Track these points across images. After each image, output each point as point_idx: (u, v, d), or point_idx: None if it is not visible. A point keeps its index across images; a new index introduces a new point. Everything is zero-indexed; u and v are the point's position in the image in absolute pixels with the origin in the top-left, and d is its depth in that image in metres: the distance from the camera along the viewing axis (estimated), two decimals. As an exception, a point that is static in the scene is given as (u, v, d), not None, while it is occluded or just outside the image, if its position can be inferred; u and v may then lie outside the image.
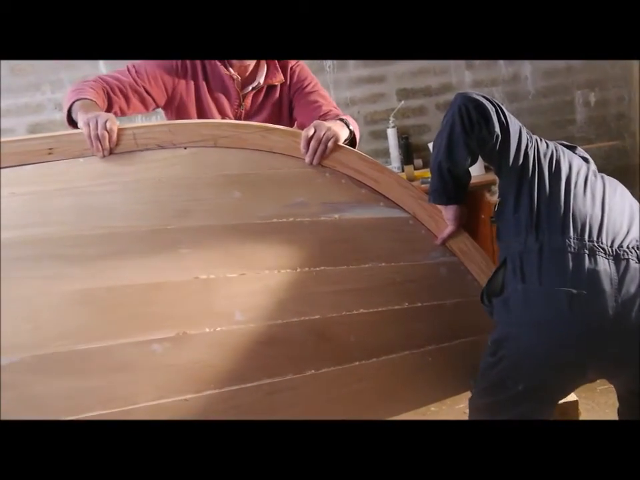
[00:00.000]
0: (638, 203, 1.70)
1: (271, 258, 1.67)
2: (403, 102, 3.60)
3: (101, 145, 1.64)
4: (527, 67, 3.65)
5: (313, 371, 1.68)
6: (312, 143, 1.70)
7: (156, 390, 1.58)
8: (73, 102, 1.81)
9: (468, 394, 1.76)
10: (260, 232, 1.68)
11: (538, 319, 1.51)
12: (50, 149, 1.64)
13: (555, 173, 1.63)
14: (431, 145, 3.54)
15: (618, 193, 1.68)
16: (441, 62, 3.64)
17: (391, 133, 3.57)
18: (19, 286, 1.55)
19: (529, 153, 1.64)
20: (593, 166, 1.76)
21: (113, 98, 1.94)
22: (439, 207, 1.76)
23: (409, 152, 3.61)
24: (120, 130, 1.66)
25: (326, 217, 1.72)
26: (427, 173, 3.11)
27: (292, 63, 2.19)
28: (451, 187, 1.70)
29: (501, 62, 3.64)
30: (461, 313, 1.81)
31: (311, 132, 1.71)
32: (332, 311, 1.69)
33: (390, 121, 3.57)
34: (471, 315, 1.79)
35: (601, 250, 1.51)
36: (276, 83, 2.16)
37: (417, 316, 1.77)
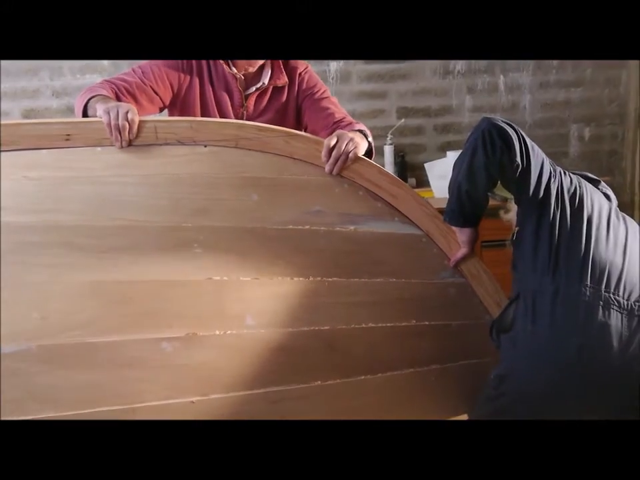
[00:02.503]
0: None
1: (285, 264, 1.66)
2: (403, 120, 3.61)
3: (121, 135, 1.61)
4: (526, 97, 3.70)
5: (320, 382, 1.66)
6: (334, 153, 1.69)
7: (163, 389, 1.55)
8: (88, 100, 1.76)
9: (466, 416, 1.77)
10: (275, 237, 1.66)
11: (543, 363, 1.52)
12: (67, 134, 1.61)
13: (578, 211, 1.61)
14: (426, 165, 3.58)
15: (638, 238, 1.66)
16: (442, 83, 3.67)
17: (388, 150, 3.58)
18: (29, 272, 1.51)
19: (551, 187, 1.63)
20: (614, 204, 1.76)
21: (122, 99, 1.90)
22: (453, 228, 1.76)
23: (404, 170, 3.62)
24: (141, 122, 1.64)
25: (341, 228, 1.71)
26: (421, 193, 3.13)
27: (300, 68, 2.18)
28: (468, 210, 1.70)
29: (502, 89, 3.68)
30: (466, 334, 1.80)
31: (334, 141, 1.70)
32: (342, 323, 1.68)
33: (388, 138, 3.57)
34: (475, 338, 1.79)
35: (616, 303, 1.51)
36: (281, 85, 2.14)
37: (424, 334, 1.76)
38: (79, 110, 1.78)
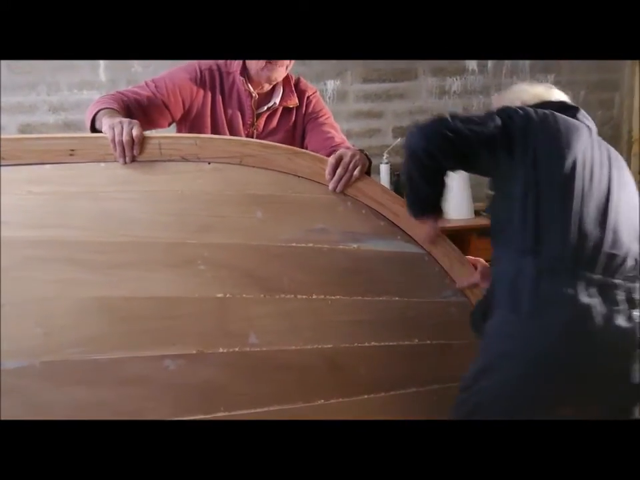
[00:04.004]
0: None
1: (289, 282, 1.65)
2: (399, 139, 3.63)
3: (125, 151, 1.61)
4: (521, 117, 3.73)
5: (322, 400, 1.65)
6: (338, 170, 1.70)
7: (166, 407, 1.53)
8: (97, 112, 1.76)
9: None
10: (279, 255, 1.66)
11: (527, 352, 1.43)
12: (72, 150, 1.60)
13: (556, 170, 1.47)
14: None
15: (625, 193, 1.54)
16: (438, 103, 3.70)
17: (384, 169, 3.59)
18: (32, 288, 1.50)
19: (514, 149, 1.50)
20: (594, 132, 1.61)
21: (132, 111, 1.90)
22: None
23: (399, 189, 3.63)
24: (145, 138, 1.64)
25: (344, 246, 1.71)
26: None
27: (309, 91, 2.20)
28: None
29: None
30: (468, 354, 1.79)
31: (338, 159, 1.71)
32: (345, 341, 1.67)
33: (384, 157, 3.59)
34: (477, 358, 1.78)
35: (594, 282, 1.43)
36: (291, 106, 2.15)
37: (426, 353, 1.76)
38: (87, 121, 1.78)
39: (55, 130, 3.37)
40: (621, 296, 1.45)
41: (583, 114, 1.64)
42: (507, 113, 1.55)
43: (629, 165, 3.70)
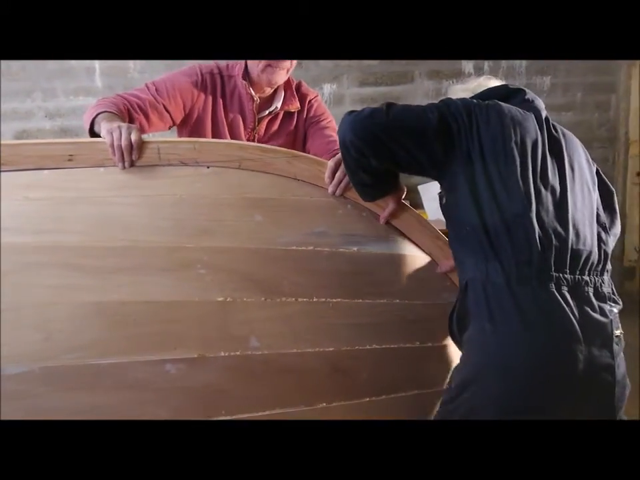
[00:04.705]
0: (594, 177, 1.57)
1: (289, 285, 1.64)
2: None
3: (124, 156, 1.60)
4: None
5: (324, 404, 1.64)
6: (337, 174, 1.69)
7: (166, 412, 1.52)
8: (96, 115, 1.76)
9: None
10: (279, 258, 1.65)
11: (507, 362, 1.37)
12: (70, 155, 1.60)
13: (506, 168, 1.40)
14: (419, 188, 3.60)
15: (580, 183, 1.50)
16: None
17: (381, 172, 3.59)
18: (31, 293, 1.49)
19: (455, 145, 1.44)
20: (544, 114, 1.53)
21: (133, 115, 1.91)
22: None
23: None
24: (144, 143, 1.63)
25: (344, 249, 1.70)
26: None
27: (311, 95, 2.21)
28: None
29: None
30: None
31: (337, 162, 1.70)
32: (346, 344, 1.66)
33: (381, 160, 3.58)
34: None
35: (564, 281, 1.39)
36: (293, 110, 2.16)
37: (427, 356, 1.75)
38: (86, 124, 1.78)
39: (51, 136, 3.39)
40: (590, 292, 1.42)
41: (530, 95, 1.57)
42: (446, 103, 1.48)
43: (625, 166, 3.73)
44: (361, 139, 1.45)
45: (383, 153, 1.47)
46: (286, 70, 2.06)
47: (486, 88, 1.64)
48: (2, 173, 1.57)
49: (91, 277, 1.52)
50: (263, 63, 2.02)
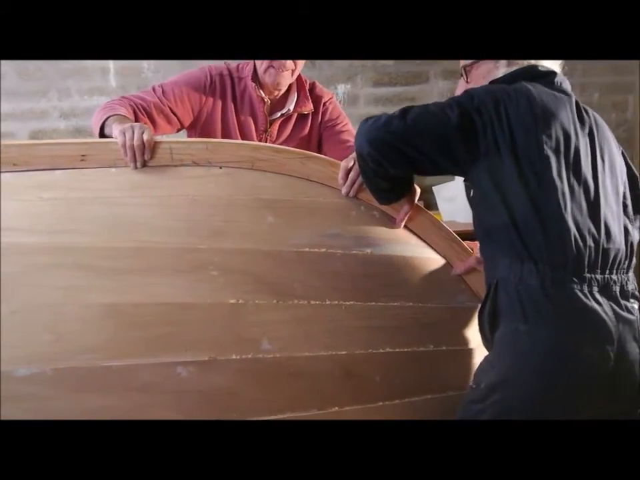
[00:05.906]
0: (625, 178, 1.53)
1: (302, 288, 1.62)
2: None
3: (136, 156, 1.59)
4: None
5: (337, 408, 1.62)
6: (351, 174, 1.67)
7: (177, 415, 1.51)
8: (107, 118, 1.75)
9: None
10: (292, 260, 1.63)
11: (543, 364, 1.37)
12: (83, 155, 1.59)
13: (542, 161, 1.36)
14: (434, 188, 3.57)
15: (611, 177, 1.46)
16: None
17: (396, 173, 3.56)
18: (43, 294, 1.49)
19: (480, 148, 1.40)
20: (573, 99, 1.48)
21: (139, 117, 1.89)
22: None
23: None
24: (156, 143, 1.62)
25: (358, 251, 1.68)
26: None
27: (325, 97, 2.18)
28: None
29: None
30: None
31: (351, 163, 1.68)
32: (359, 348, 1.64)
33: (395, 161, 3.56)
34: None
35: (596, 282, 1.38)
36: (306, 112, 2.13)
37: (441, 359, 1.73)
38: (96, 128, 1.77)
39: (66, 136, 3.38)
40: (617, 290, 1.40)
41: (559, 77, 1.52)
42: (470, 95, 1.43)
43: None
44: (378, 150, 1.45)
45: (401, 162, 1.47)
46: (290, 72, 2.03)
47: (515, 69, 1.55)
48: (15, 174, 1.56)
49: (102, 278, 1.51)
50: (265, 64, 2.00)
